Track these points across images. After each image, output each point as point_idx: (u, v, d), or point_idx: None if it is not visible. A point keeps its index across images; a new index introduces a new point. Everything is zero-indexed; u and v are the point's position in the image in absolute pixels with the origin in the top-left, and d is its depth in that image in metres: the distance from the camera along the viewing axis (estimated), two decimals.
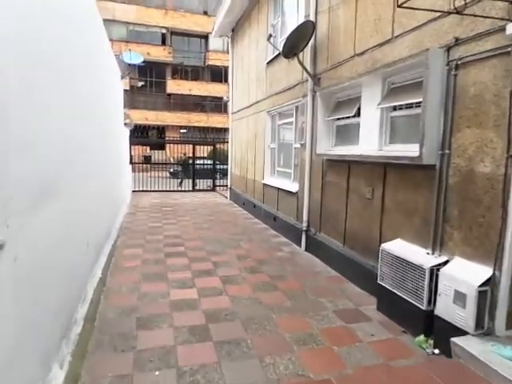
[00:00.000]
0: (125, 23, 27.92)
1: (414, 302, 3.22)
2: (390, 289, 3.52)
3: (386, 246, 3.64)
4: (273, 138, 7.94)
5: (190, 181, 14.91)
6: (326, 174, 5.24)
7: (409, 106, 3.73)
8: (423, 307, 3.11)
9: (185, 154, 16.57)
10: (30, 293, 1.99)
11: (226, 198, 12.28)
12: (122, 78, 9.09)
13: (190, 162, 15.42)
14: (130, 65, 9.01)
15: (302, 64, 5.35)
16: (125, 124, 10.95)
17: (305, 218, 5.78)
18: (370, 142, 4.17)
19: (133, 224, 7.68)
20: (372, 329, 3.34)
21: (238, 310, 3.60)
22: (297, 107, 6.47)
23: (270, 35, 5.87)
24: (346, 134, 4.96)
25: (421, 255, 3.29)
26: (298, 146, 6.30)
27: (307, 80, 5.65)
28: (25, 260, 1.87)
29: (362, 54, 4.29)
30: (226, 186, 14.64)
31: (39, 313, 2.14)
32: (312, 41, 5.43)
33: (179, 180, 15.51)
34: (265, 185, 8.04)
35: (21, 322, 1.84)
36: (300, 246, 5.94)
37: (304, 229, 5.80)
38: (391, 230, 3.84)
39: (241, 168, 10.42)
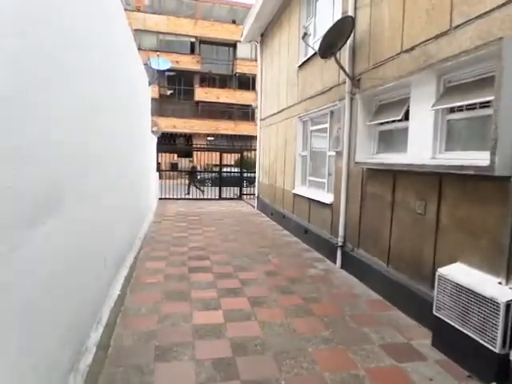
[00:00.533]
0: (155, 33, 28.41)
1: (482, 342, 2.65)
2: (450, 322, 2.96)
3: (444, 271, 3.09)
4: (304, 145, 7.49)
5: (217, 189, 14.63)
6: (366, 185, 4.73)
7: (471, 107, 3.20)
8: (496, 349, 2.55)
9: (191, 162, 16.35)
10: (29, 327, 1.64)
11: (253, 207, 11.88)
12: (150, 84, 8.94)
13: (216, 169, 15.20)
14: (158, 71, 8.82)
15: (339, 64, 4.89)
16: (152, 131, 10.83)
17: (340, 232, 5.27)
18: (420, 149, 3.65)
19: (157, 233, 7.40)
20: (429, 371, 2.79)
21: (269, 340, 3.15)
22: (332, 112, 6.00)
23: (305, 34, 5.46)
24: (390, 140, 4.45)
25: (491, 285, 2.73)
26: (333, 153, 5.82)
27: (344, 82, 5.19)
28: (20, 286, 1.52)
29: (412, 49, 3.79)
30: (253, 194, 14.29)
31: (41, 348, 1.79)
32: (350, 40, 4.98)
33: (186, 187, 15.09)
34: (295, 195, 7.58)
35: (19, 360, 1.49)
36: (335, 262, 5.43)
37: (339, 244, 5.28)
38: (448, 251, 3.28)
39: (269, 176, 10.01)
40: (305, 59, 7.00)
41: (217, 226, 8.42)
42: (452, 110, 3.43)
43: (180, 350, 2.92)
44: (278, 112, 9.01)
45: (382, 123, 4.52)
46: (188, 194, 14.76)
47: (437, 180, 3.42)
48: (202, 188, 15.22)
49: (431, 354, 3.03)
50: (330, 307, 3.93)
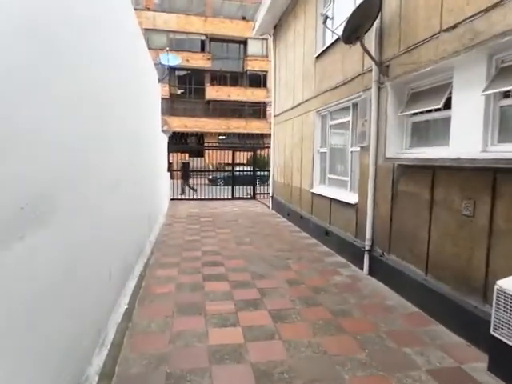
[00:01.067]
0: (165, 31, 28.18)
1: None
2: None
3: (504, 283, 2.61)
4: (323, 141, 7.02)
5: (230, 188, 14.23)
6: (397, 183, 4.25)
7: None
8: None
9: (181, 159, 15.36)
10: (7, 360, 1.25)
11: (268, 207, 11.45)
12: (160, 81, 8.59)
13: (228, 168, 14.81)
14: (168, 67, 8.46)
15: (366, 50, 4.42)
16: (163, 130, 10.50)
17: (368, 234, 4.80)
18: (467, 142, 3.16)
19: (169, 237, 7.04)
20: None
21: (297, 366, 2.72)
22: (354, 104, 5.53)
23: (327, 17, 5.00)
24: (426, 132, 3.97)
25: None
26: (357, 149, 5.35)
27: (370, 70, 4.72)
28: None
29: (454, 27, 3.30)
30: (267, 193, 13.87)
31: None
32: (376, 23, 4.50)
33: (180, 187, 14.24)
34: (314, 194, 7.12)
35: None
36: (361, 268, 4.96)
37: (367, 248, 4.82)
38: (506, 259, 2.80)
39: (284, 175, 9.56)
40: (323, 49, 6.53)
41: (231, 228, 8.02)
42: (506, 95, 2.94)
43: (195, 379, 2.51)
44: (294, 107, 8.55)
45: (415, 114, 4.04)
46: (182, 194, 14.15)
47: (489, 176, 2.93)
48: (194, 187, 14.63)
49: (490, 382, 2.57)
50: (363, 322, 3.48)
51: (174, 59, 8.69)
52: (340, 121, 6.22)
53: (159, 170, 9.20)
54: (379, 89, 4.57)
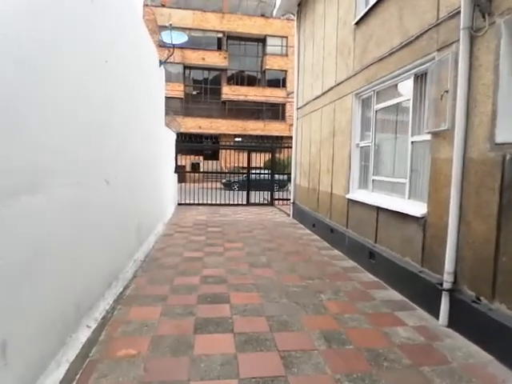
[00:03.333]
0: (181, 29, 27.05)
1: None
2: None
3: None
4: (365, 131, 5.39)
5: (245, 193, 12.66)
6: (510, 187, 2.59)
7: None
8: None
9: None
10: None
11: (288, 215, 9.83)
12: (161, 63, 7.15)
13: (244, 171, 13.27)
14: (172, 46, 7.00)
15: None
16: (167, 126, 9.09)
17: (448, 265, 3.14)
18: None
19: (164, 253, 5.53)
20: None
21: None
22: (418, 75, 3.91)
23: None
24: None
25: None
26: (424, 138, 3.72)
27: (454, 15, 3.10)
28: None
29: None
30: (287, 199, 12.27)
31: None
32: None
33: None
34: (351, 201, 5.49)
35: None
36: (435, 315, 3.29)
37: (446, 286, 3.15)
38: None
39: (309, 178, 7.93)
40: (366, 9, 4.93)
41: (243, 242, 6.45)
42: None
43: None
44: (322, 94, 6.95)
45: None
46: None
47: None
48: None
49: None
50: None
51: (179, 36, 7.24)
52: (392, 102, 4.58)
53: (160, 170, 7.74)
54: (472, 39, 2.93)
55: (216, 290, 3.97)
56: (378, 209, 4.59)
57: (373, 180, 5.06)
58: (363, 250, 4.90)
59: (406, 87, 4.20)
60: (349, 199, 5.55)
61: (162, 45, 9.02)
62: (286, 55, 28.49)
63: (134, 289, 3.93)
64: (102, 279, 3.30)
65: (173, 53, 7.14)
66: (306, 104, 8.18)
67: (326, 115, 6.81)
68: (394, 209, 4.16)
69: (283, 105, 29.02)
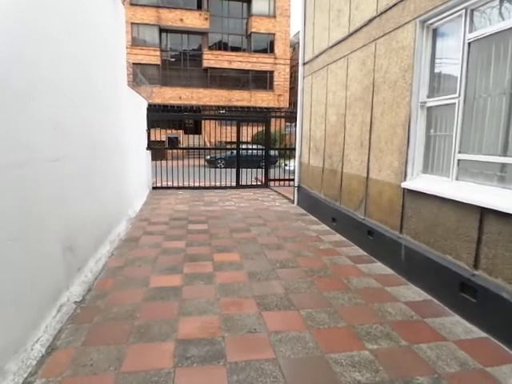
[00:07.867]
0: None
1: None
2: None
3: None
4: (437, 82, 3.37)
5: (233, 172, 10.53)
6: None
7: None
8: None
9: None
10: None
11: (291, 201, 7.84)
12: None
13: (232, 146, 11.10)
14: None
15: None
16: (132, 87, 6.87)
17: None
18: None
19: (118, 279, 3.50)
20: None
21: None
22: None
23: None
24: None
25: None
26: None
27: None
28: None
29: None
30: (283, 180, 10.31)
31: None
32: None
33: None
34: (410, 192, 3.53)
35: None
36: None
37: None
38: None
39: (325, 155, 5.91)
40: None
41: (240, 250, 4.46)
42: None
43: None
44: (349, 35, 4.85)
45: None
46: None
47: None
48: None
49: None
50: None
51: None
52: (504, 25, 2.55)
53: (124, 147, 5.60)
54: None
55: (201, 376, 2.00)
56: (483, 210, 2.65)
57: (458, 160, 3.08)
58: (443, 274, 2.98)
59: None
60: (406, 189, 3.59)
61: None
62: (274, 16, 25.74)
63: (46, 372, 1.91)
64: None
65: None
66: (319, 55, 6.05)
67: (356, 65, 4.73)
68: None
69: (271, 72, 26.51)
